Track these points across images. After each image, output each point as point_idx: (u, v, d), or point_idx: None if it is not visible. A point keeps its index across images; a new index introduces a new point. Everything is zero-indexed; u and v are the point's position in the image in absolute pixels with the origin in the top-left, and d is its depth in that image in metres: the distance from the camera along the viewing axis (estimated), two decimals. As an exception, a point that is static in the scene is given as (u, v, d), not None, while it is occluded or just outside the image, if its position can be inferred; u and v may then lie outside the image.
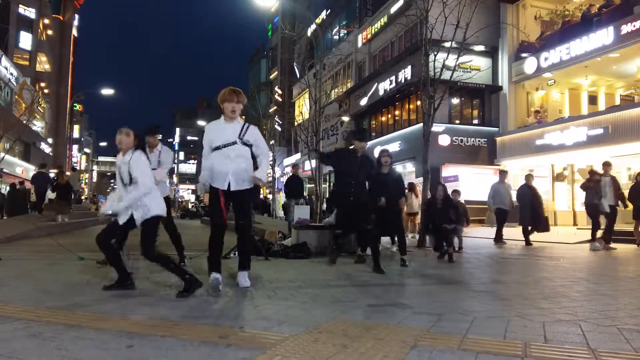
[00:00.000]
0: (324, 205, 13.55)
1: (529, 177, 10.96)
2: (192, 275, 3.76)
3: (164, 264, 3.84)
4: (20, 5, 33.61)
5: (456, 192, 9.23)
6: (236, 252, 6.80)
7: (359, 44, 26.12)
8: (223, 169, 4.00)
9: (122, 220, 3.89)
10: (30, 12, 34.90)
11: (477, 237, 12.16)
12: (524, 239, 10.11)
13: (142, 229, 3.85)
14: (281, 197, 28.61)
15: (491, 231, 13.83)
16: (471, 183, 17.69)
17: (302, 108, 28.32)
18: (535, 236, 10.20)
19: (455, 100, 20.07)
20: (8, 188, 19.10)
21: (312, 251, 7.11)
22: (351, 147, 5.99)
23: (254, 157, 4.12)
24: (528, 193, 10.45)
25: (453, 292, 4.29)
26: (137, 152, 3.93)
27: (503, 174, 11.12)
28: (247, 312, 3.23)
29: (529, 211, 10.20)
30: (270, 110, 39.91)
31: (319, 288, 4.30)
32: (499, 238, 10.37)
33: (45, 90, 37.78)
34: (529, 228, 10.20)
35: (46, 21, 38.37)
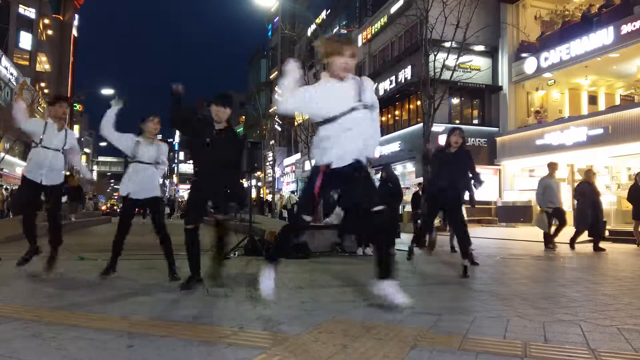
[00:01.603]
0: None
1: (589, 172, 9.48)
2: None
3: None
4: (20, 5, 33.60)
5: None
6: (236, 252, 6.83)
7: (359, 44, 26.13)
8: (344, 143, 2.96)
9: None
10: (30, 12, 34.88)
11: (476, 237, 12.15)
12: (569, 241, 8.95)
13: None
14: (282, 198, 28.55)
15: (498, 231, 13.84)
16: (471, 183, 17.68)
17: (302, 108, 28.32)
18: (534, 236, 10.15)
19: (455, 100, 20.09)
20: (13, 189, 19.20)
21: (312, 251, 7.12)
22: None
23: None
24: (589, 191, 9.00)
25: (453, 292, 4.28)
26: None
27: (553, 166, 9.21)
28: (247, 312, 3.22)
29: (592, 212, 8.84)
30: (270, 110, 39.91)
31: (319, 288, 4.30)
32: (550, 242, 8.85)
33: (45, 90, 37.75)
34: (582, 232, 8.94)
35: (46, 21, 38.35)
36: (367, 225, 3.09)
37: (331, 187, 3.13)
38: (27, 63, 34.41)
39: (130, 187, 4.59)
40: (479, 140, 19.64)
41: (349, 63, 2.94)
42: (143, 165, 4.62)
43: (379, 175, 8.35)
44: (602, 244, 8.86)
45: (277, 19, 41.64)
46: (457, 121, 20.01)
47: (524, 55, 18.66)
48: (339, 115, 2.93)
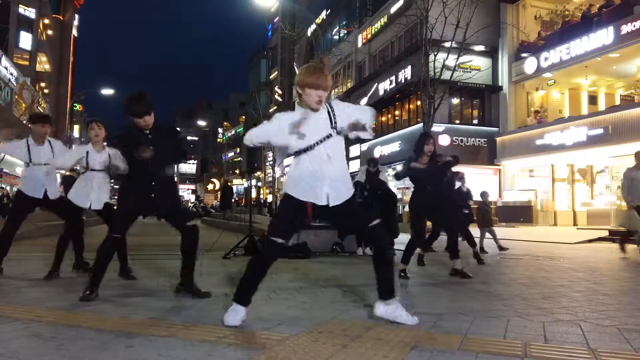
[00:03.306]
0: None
1: None
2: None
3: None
4: (20, 5, 33.59)
5: None
6: (235, 252, 6.83)
7: (359, 44, 26.12)
8: (315, 176, 2.81)
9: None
10: (30, 12, 34.87)
11: (477, 237, 12.13)
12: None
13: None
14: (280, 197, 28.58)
15: (498, 231, 13.76)
16: (471, 183, 17.70)
17: (302, 108, 28.34)
18: (534, 236, 10.13)
19: (455, 100, 20.08)
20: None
21: (312, 251, 7.13)
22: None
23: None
24: None
25: (453, 292, 4.28)
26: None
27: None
28: (247, 312, 3.22)
29: None
30: (270, 110, 39.90)
31: (319, 288, 4.30)
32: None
33: (45, 90, 37.76)
34: None
35: (46, 21, 38.34)
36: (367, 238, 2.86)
37: (321, 217, 2.99)
38: (27, 63, 34.39)
39: (93, 196, 4.60)
40: (479, 140, 19.64)
41: (322, 96, 2.84)
42: (95, 173, 4.60)
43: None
44: (603, 244, 8.74)
45: (277, 19, 41.63)
46: (457, 121, 20.02)
47: (524, 55, 18.66)
48: (315, 143, 2.82)
